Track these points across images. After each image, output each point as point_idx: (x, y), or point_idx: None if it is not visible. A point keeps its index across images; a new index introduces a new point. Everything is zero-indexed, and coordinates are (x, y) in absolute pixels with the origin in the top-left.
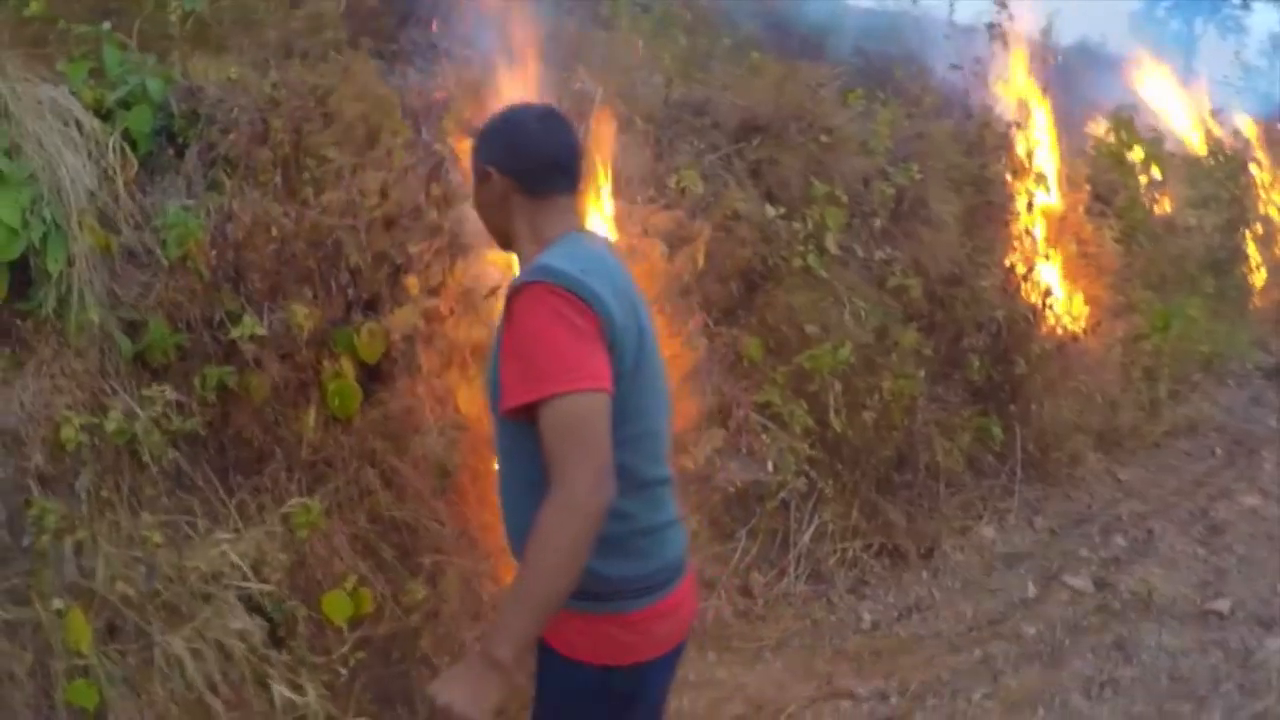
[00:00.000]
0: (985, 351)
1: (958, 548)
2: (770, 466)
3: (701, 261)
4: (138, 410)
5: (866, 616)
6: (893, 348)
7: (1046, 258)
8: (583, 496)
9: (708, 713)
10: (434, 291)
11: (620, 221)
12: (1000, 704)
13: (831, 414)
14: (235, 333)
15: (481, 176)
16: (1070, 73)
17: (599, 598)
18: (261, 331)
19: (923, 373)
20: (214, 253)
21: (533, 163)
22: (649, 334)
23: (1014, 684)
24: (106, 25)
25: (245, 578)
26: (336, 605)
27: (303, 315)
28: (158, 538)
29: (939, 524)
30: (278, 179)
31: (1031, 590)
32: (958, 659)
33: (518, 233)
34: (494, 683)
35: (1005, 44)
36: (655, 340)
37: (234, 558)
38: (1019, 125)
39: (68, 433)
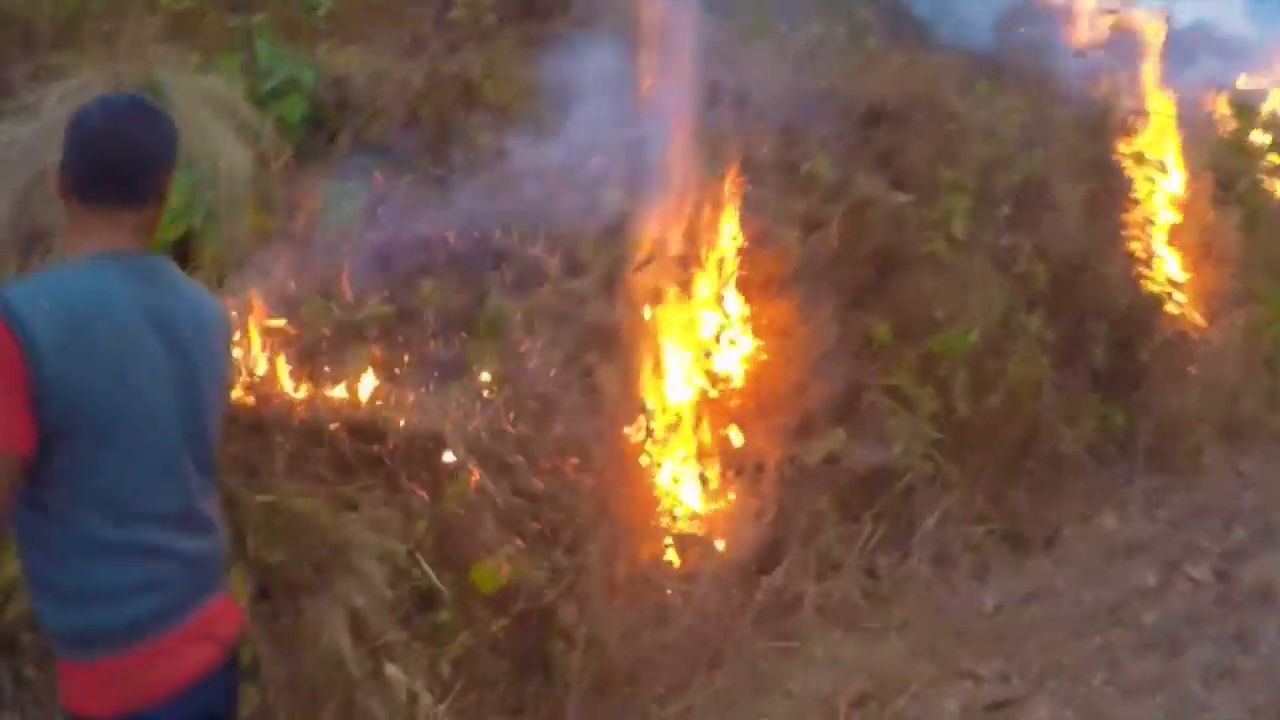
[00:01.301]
0: (1108, 339)
1: (1079, 535)
2: (897, 450)
3: (835, 246)
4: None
5: (988, 601)
6: (1018, 333)
7: (1168, 245)
8: None
9: (833, 689)
10: (576, 272)
11: (755, 206)
12: (1119, 690)
13: (957, 398)
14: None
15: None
16: (1189, 56)
17: (65, 644)
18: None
19: (1046, 359)
20: (367, 236)
21: (85, 164)
22: (150, 381)
23: (1133, 671)
24: (258, 18)
25: (393, 546)
26: (484, 576)
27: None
28: (310, 504)
29: (1061, 511)
30: (426, 165)
31: (1151, 580)
32: (1078, 645)
33: (66, 241)
34: None
35: (1126, 29)
36: (188, 392)
37: (391, 525)
38: (1140, 111)
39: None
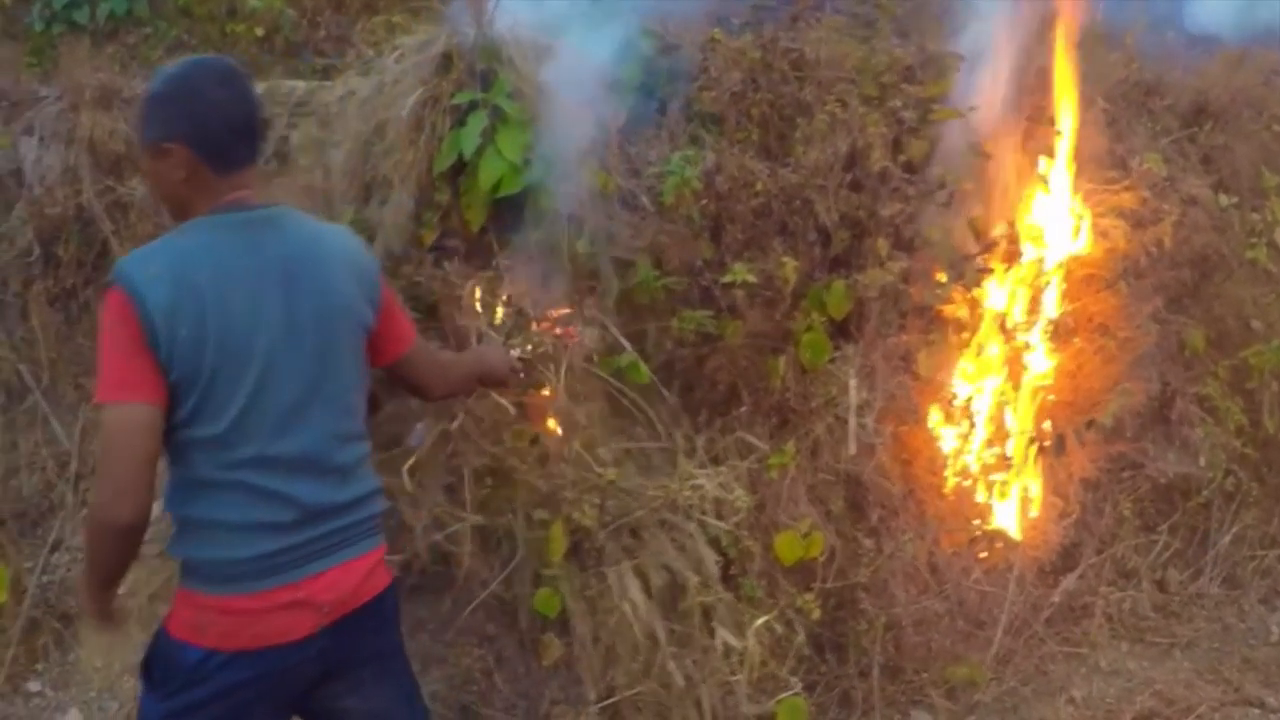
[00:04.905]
0: None
1: None
2: (1201, 461)
3: (1167, 245)
4: (625, 344)
5: (1275, 630)
6: None
7: None
8: (97, 514)
9: (1117, 701)
10: (899, 254)
11: (1085, 199)
12: None
13: (1266, 414)
14: (728, 277)
15: (158, 152)
16: None
17: (190, 574)
18: (753, 279)
19: None
20: (703, 203)
21: (217, 133)
22: (266, 331)
23: None
24: None
25: (707, 513)
26: (788, 546)
27: (790, 268)
28: (626, 465)
29: None
30: (756, 136)
31: None
32: None
33: (186, 210)
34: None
35: None
36: (302, 336)
37: (704, 491)
38: None
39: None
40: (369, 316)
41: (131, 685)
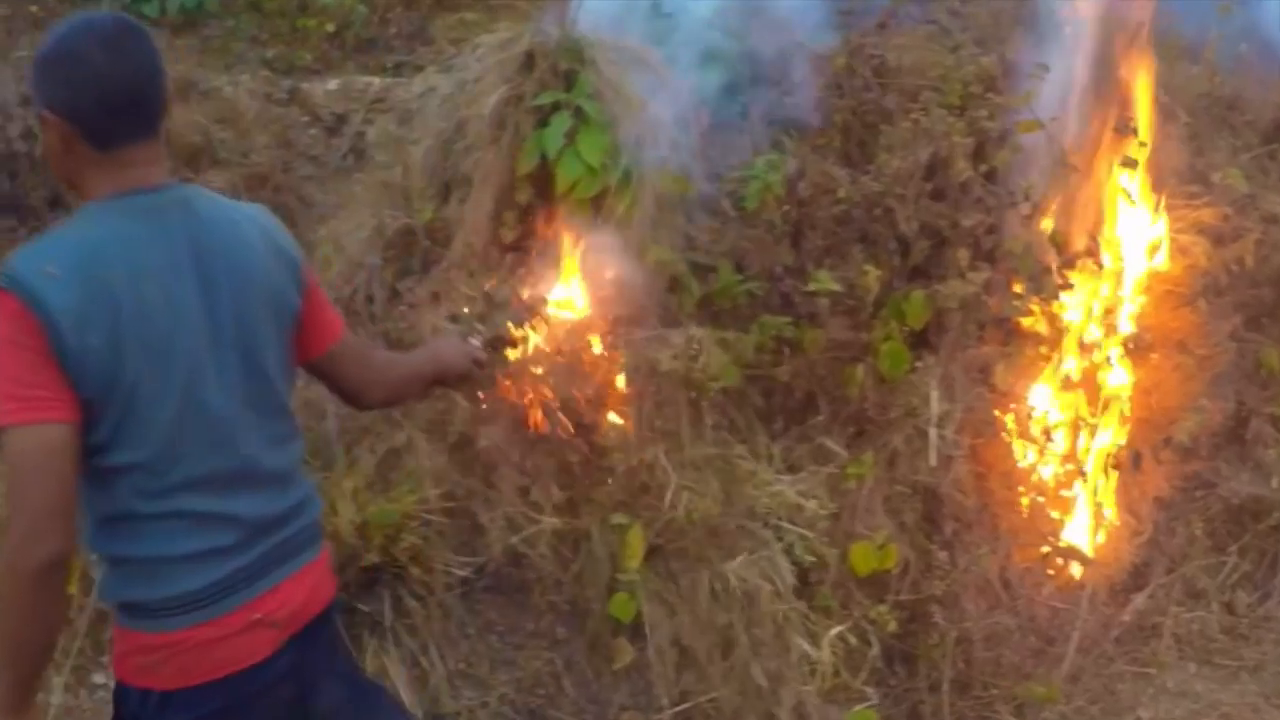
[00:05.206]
0: None
1: None
2: (1274, 483)
3: (1248, 263)
4: (699, 348)
5: None
6: None
7: None
8: (13, 559)
9: None
10: (980, 265)
11: (1165, 214)
12: None
13: None
14: (812, 285)
15: (41, 121)
16: None
17: (130, 613)
18: (836, 287)
19: None
20: (785, 208)
21: (97, 105)
22: (187, 331)
23: None
24: None
25: (784, 520)
26: (864, 556)
27: (872, 277)
28: (705, 470)
29: None
30: (838, 143)
31: None
32: None
33: (91, 191)
34: None
35: None
36: (237, 341)
37: (784, 498)
38: None
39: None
40: (296, 302)
41: None
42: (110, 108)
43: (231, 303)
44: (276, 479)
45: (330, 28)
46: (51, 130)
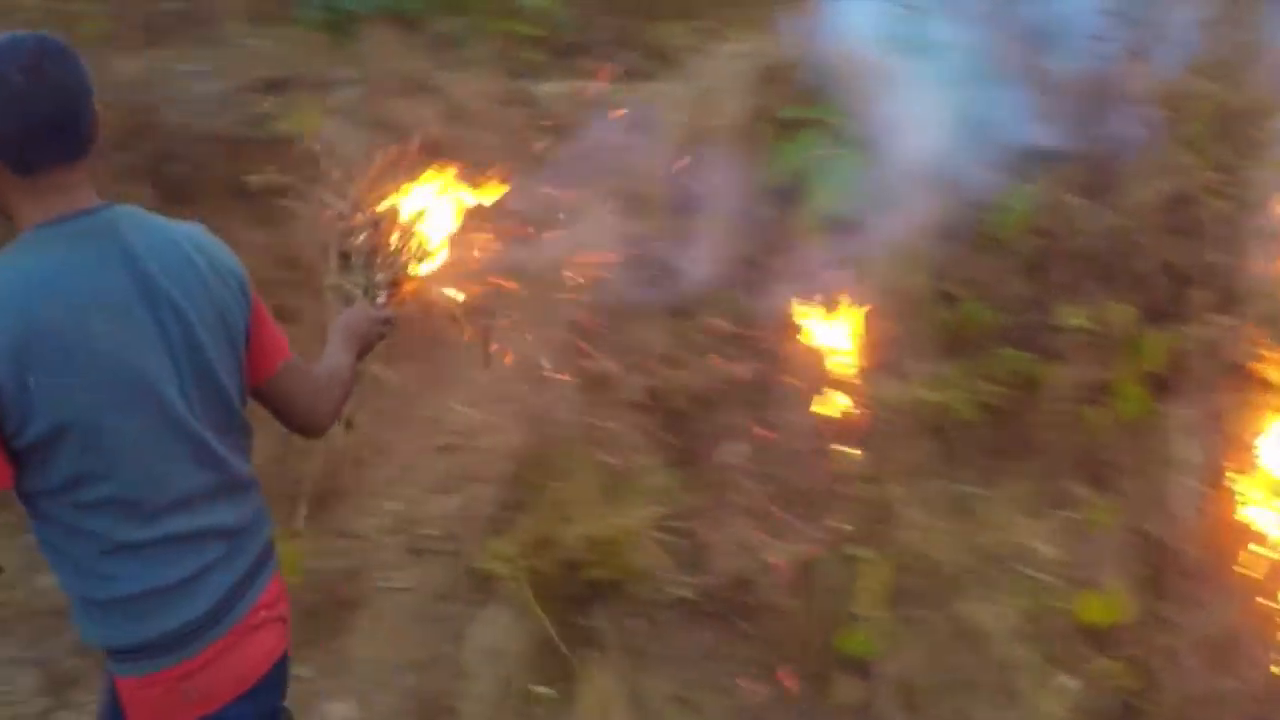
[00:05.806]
0: None
1: None
2: None
3: None
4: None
5: None
6: None
7: None
8: None
9: None
10: (1223, 306)
11: None
12: None
13: None
14: (1068, 321)
15: None
16: None
17: (132, 658)
18: (1088, 324)
19: None
20: (1032, 240)
21: (18, 129)
22: (139, 359)
23: None
24: None
25: (1019, 564)
26: (1091, 605)
27: (1121, 313)
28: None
29: None
30: (1083, 176)
31: None
32: None
33: (22, 218)
34: None
35: None
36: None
37: (1019, 541)
38: None
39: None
40: (244, 320)
41: (407, 681)
42: (31, 132)
43: (179, 324)
44: (246, 482)
45: (537, 32)
46: None
